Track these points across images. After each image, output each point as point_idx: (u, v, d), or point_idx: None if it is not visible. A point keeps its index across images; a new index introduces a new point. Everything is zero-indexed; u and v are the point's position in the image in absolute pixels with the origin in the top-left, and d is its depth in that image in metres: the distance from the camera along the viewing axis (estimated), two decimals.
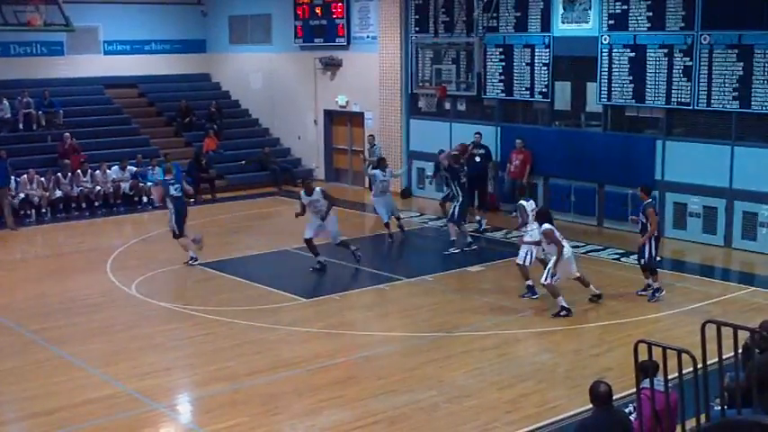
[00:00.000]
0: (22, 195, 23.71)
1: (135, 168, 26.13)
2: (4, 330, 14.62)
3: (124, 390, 11.98)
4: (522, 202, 16.54)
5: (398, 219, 21.16)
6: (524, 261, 15.74)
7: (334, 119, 29.39)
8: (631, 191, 19.35)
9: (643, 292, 15.79)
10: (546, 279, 14.82)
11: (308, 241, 17.91)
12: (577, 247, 19.67)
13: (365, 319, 15.47)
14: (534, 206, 16.55)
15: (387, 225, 20.71)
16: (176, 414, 11.64)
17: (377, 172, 20.91)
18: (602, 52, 21.31)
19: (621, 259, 18.55)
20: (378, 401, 11.44)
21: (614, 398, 8.23)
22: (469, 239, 19.71)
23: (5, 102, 27.16)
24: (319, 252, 18.00)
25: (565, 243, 15.06)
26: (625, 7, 20.78)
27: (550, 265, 14.87)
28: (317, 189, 17.92)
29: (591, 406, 8.12)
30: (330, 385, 12.03)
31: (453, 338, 13.89)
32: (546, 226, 14.96)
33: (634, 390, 8.18)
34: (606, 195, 21.62)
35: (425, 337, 13.99)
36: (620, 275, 17.29)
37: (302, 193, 18.05)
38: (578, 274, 15.35)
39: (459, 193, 19.52)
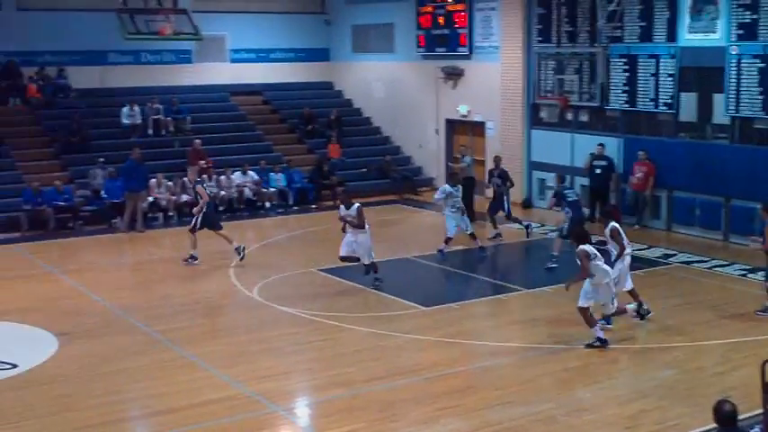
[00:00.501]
0: (150, 199, 24.42)
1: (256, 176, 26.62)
2: (133, 330, 15.07)
3: (244, 392, 12.20)
4: (614, 224, 15.35)
5: (473, 235, 20.31)
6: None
7: (456, 128, 29.40)
8: (760, 205, 18.80)
9: (761, 314, 15.26)
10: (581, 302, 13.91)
11: (344, 259, 17.66)
12: (702, 261, 19.31)
13: (483, 328, 15.43)
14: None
15: (447, 240, 19.99)
16: (294, 417, 11.79)
17: (448, 187, 20.15)
18: (730, 63, 20.83)
19: (748, 275, 18.03)
20: (495, 412, 11.38)
21: (739, 418, 8.01)
22: (556, 253, 19.38)
23: (136, 108, 28.01)
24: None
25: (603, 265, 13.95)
26: (755, 17, 20.26)
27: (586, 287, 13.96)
28: (356, 204, 17.50)
29: (714, 425, 7.93)
30: (448, 394, 12.02)
31: (572, 351, 13.72)
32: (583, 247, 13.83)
33: (760, 411, 7.99)
34: (732, 209, 21.06)
35: (543, 348, 13.88)
36: (746, 292, 16.79)
37: (341, 206, 17.78)
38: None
39: (569, 211, 19.11)
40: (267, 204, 26.36)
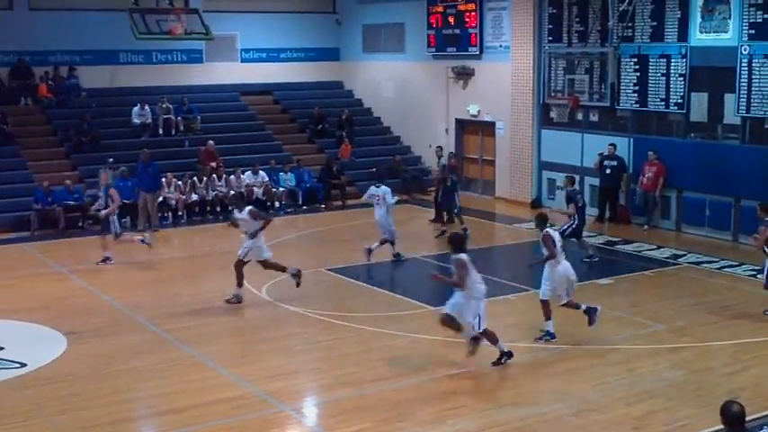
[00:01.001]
0: (160, 198, 24.43)
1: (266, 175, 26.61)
2: (140, 329, 15.10)
3: (252, 391, 12.21)
4: (549, 230, 14.32)
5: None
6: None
7: (466, 128, 29.36)
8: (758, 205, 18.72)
9: None
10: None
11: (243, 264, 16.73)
12: (712, 262, 19.24)
13: (492, 328, 15.30)
14: (560, 237, 14.62)
15: (393, 243, 19.72)
16: (302, 417, 11.79)
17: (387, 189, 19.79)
18: (741, 63, 20.74)
19: (758, 276, 17.91)
20: (502, 412, 11.37)
21: (747, 419, 7.96)
22: (591, 252, 19.45)
23: (147, 107, 28.07)
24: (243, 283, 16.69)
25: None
26: (767, 16, 20.19)
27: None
28: (248, 208, 16.97)
29: (722, 427, 7.89)
30: (455, 394, 12.02)
31: (581, 351, 13.70)
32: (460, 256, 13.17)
33: None
34: (743, 210, 20.94)
35: (552, 348, 13.84)
36: (755, 293, 16.68)
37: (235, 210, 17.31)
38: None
39: (576, 217, 19.07)
40: (277, 204, 26.37)
